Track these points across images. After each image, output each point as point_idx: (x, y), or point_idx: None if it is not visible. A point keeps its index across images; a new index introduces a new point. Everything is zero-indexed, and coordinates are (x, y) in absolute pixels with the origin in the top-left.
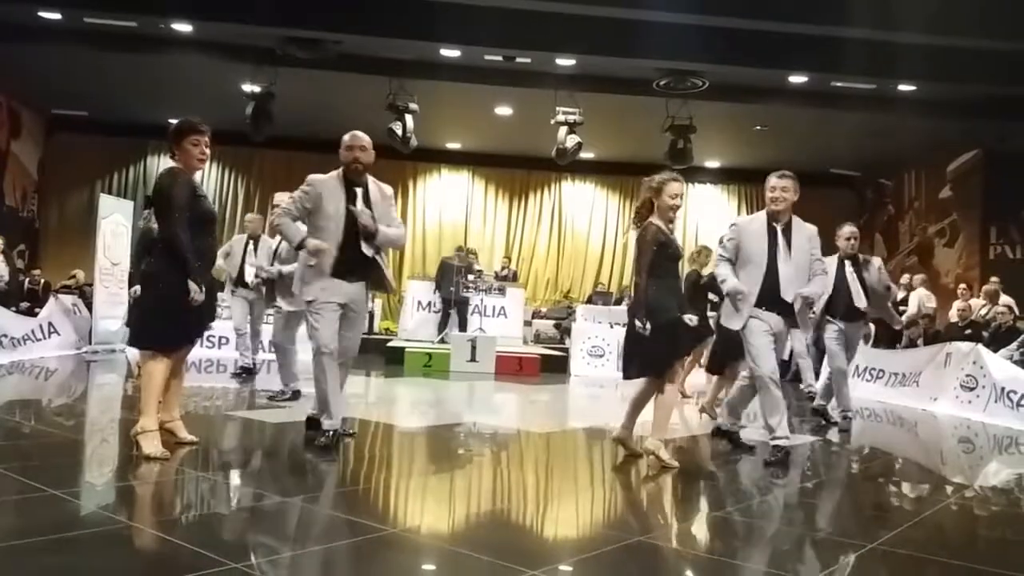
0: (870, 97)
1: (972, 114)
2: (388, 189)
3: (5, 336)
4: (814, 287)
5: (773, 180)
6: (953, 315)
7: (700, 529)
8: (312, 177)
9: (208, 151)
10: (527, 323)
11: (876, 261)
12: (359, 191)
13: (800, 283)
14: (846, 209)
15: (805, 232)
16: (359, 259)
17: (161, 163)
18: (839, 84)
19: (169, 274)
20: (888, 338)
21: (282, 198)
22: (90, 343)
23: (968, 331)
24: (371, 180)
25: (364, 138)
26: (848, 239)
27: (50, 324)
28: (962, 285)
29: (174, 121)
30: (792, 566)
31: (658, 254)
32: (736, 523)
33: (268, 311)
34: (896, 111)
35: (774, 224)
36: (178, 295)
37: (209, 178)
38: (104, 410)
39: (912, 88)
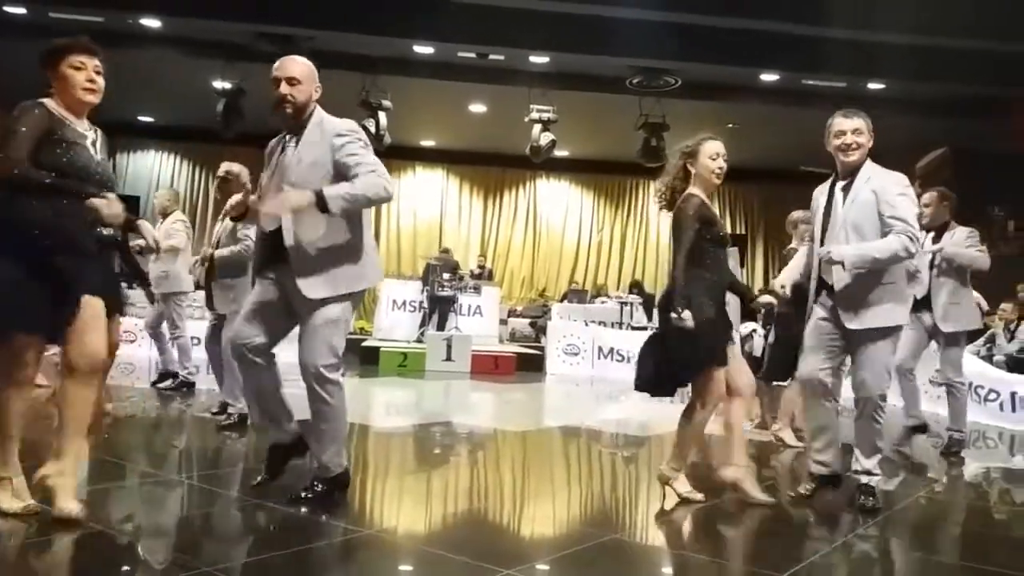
0: (841, 95)
1: (941, 112)
2: (342, 127)
3: None
4: (851, 247)
5: (839, 121)
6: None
7: (679, 528)
8: (271, 142)
9: (100, 82)
10: (503, 321)
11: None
12: (292, 141)
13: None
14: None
15: (874, 183)
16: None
17: (132, 161)
18: (810, 82)
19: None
20: None
21: (230, 168)
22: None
23: None
24: (318, 120)
25: (290, 65)
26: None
27: None
28: None
29: (145, 118)
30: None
31: (700, 234)
32: (714, 517)
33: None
34: (867, 109)
35: (835, 183)
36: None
37: (180, 176)
38: None
39: (881, 86)
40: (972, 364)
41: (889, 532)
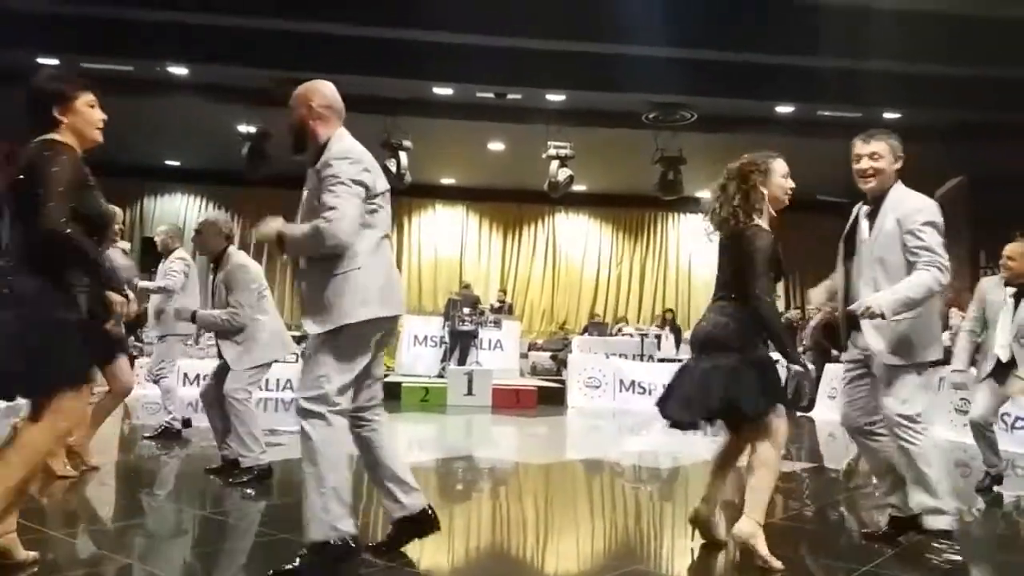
0: (856, 125)
1: (958, 140)
2: (336, 150)
3: None
4: (885, 294)
5: (857, 144)
6: (945, 339)
7: (699, 558)
8: None
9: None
10: (523, 355)
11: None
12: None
13: (876, 286)
14: (834, 237)
15: (899, 211)
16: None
17: (159, 204)
18: (825, 113)
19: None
20: None
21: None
22: None
23: None
24: (328, 146)
25: (295, 92)
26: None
27: None
28: (953, 309)
29: (172, 163)
30: None
31: (768, 270)
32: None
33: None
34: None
35: (861, 209)
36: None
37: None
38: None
39: (896, 116)
40: None
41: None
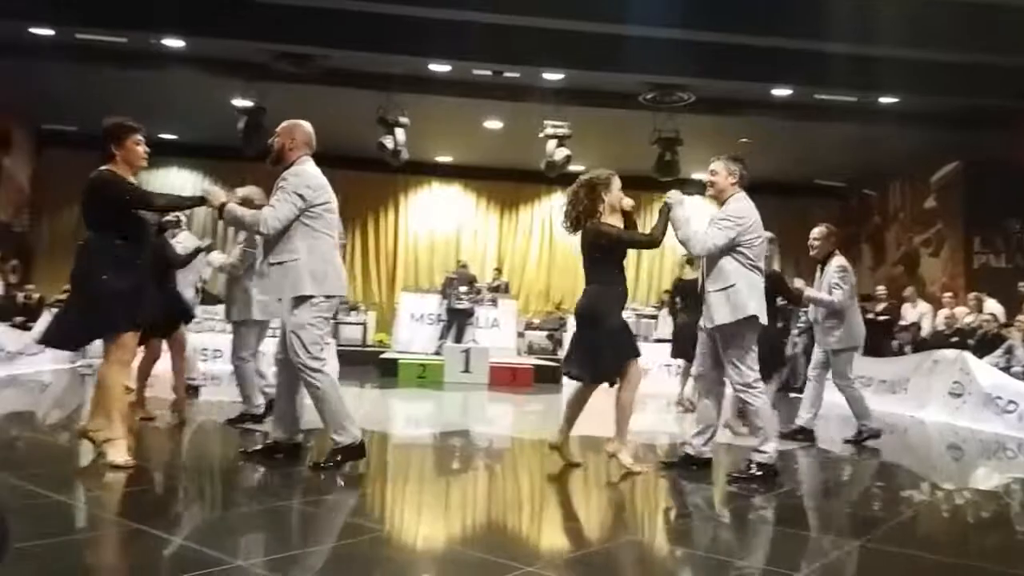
0: (853, 109)
1: (952, 125)
2: (289, 170)
3: (1, 350)
4: None
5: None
6: (940, 323)
7: (689, 528)
8: None
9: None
10: (520, 334)
11: (834, 262)
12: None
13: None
14: (832, 220)
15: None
16: None
17: (154, 178)
18: (822, 97)
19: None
20: (876, 346)
21: (246, 192)
22: (85, 357)
23: (954, 339)
24: (289, 167)
25: (282, 125)
26: (813, 239)
27: None
28: (948, 293)
29: (168, 136)
30: (783, 562)
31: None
32: (725, 523)
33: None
34: (879, 123)
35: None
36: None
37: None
38: None
39: (894, 100)
40: (991, 375)
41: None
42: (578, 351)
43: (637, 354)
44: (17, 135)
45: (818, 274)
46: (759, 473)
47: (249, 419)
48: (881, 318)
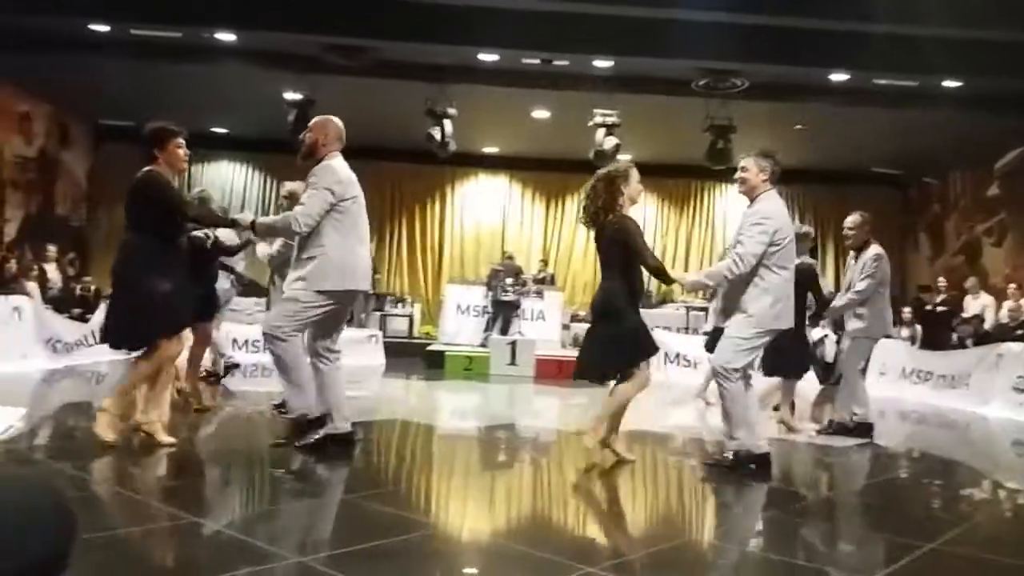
0: (913, 94)
1: (1018, 110)
2: (319, 168)
3: (59, 342)
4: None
5: (740, 161)
6: (1004, 315)
7: (751, 528)
8: None
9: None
10: (565, 326)
11: (870, 251)
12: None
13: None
14: (889, 209)
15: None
16: None
17: (206, 171)
18: (881, 81)
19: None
20: (936, 339)
21: (291, 187)
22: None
23: (1019, 331)
24: (318, 163)
25: (315, 120)
26: (848, 228)
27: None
28: (1012, 285)
29: (220, 130)
30: (853, 564)
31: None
32: (790, 523)
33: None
34: (940, 108)
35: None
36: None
37: (252, 185)
38: None
39: (957, 84)
40: None
41: None
42: (589, 347)
43: (649, 354)
44: (75, 130)
45: (852, 262)
46: (731, 461)
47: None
48: (940, 310)
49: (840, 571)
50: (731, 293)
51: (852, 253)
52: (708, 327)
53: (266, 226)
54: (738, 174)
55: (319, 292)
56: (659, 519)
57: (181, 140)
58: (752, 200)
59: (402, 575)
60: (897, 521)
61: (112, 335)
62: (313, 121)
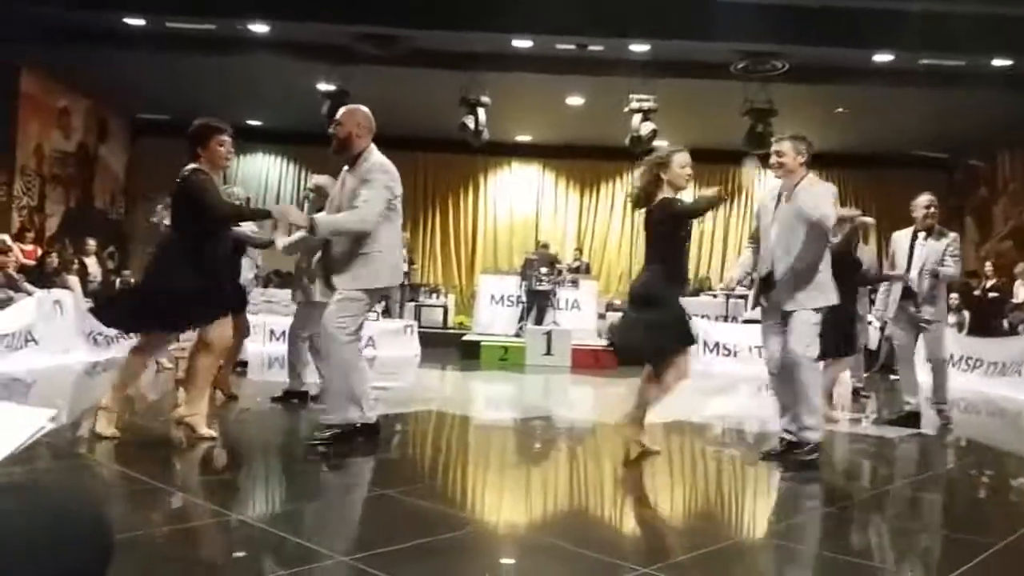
0: (960, 74)
1: None
2: (375, 163)
3: (100, 334)
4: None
5: (773, 145)
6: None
7: (806, 527)
8: None
9: (232, 151)
10: (600, 316)
11: (950, 234)
12: (345, 172)
13: (783, 254)
14: (933, 193)
15: (806, 193)
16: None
17: (242, 165)
18: (927, 61)
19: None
20: (984, 325)
21: (319, 180)
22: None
23: None
24: (365, 158)
25: (342, 111)
26: (926, 207)
27: None
28: None
29: (254, 122)
30: (921, 564)
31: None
32: (845, 520)
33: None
34: (989, 88)
35: (780, 193)
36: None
37: (287, 177)
38: None
39: (1007, 63)
40: None
41: None
42: (626, 328)
43: (689, 344)
44: (113, 124)
45: (920, 242)
46: (807, 450)
47: (295, 397)
48: (990, 295)
49: (908, 572)
50: (805, 273)
51: (923, 234)
52: (748, 315)
53: (333, 228)
54: (774, 159)
55: (374, 290)
56: (706, 515)
57: (224, 137)
58: (794, 184)
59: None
60: (963, 518)
61: (110, 312)
62: (342, 113)
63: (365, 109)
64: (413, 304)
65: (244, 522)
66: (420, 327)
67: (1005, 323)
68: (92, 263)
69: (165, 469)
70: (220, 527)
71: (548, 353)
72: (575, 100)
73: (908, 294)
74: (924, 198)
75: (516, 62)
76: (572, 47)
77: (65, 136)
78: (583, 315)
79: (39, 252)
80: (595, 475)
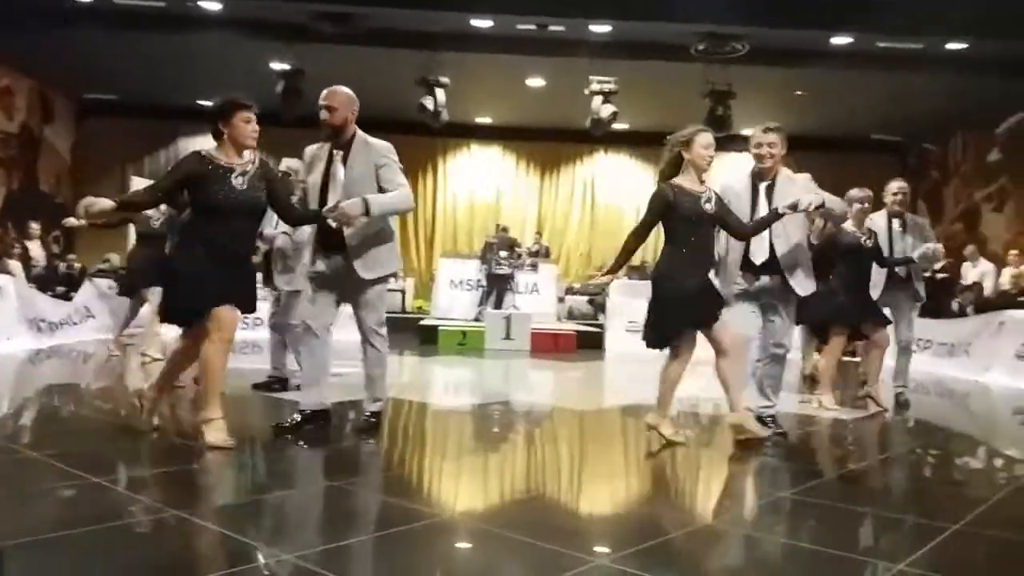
0: (917, 57)
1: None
2: (383, 147)
3: (43, 321)
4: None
5: (758, 135)
6: (1005, 282)
7: (763, 512)
8: (308, 147)
9: (257, 129)
10: (560, 299)
11: (920, 219)
12: (339, 155)
13: (783, 242)
14: (887, 176)
15: (794, 185)
16: (329, 232)
17: (193, 145)
18: (885, 44)
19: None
20: (934, 307)
21: (290, 164)
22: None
23: (1022, 298)
24: (363, 141)
25: (331, 94)
26: (895, 194)
27: (86, 308)
28: (1013, 251)
29: (205, 103)
30: (868, 548)
31: (651, 214)
32: (801, 505)
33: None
34: (945, 71)
35: (758, 183)
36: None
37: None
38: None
39: (962, 47)
40: None
41: None
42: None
43: (697, 325)
44: (58, 105)
45: (896, 228)
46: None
47: (276, 384)
48: (939, 277)
49: (864, 557)
50: (795, 252)
51: (896, 221)
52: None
53: (383, 207)
54: (765, 150)
55: (389, 275)
56: (663, 502)
57: (249, 114)
58: (775, 174)
59: (405, 573)
60: (919, 501)
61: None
62: (335, 96)
63: (348, 90)
64: None
65: (184, 519)
66: None
67: (954, 304)
68: (36, 247)
69: (105, 462)
70: (156, 524)
71: (507, 337)
72: (535, 81)
73: (893, 277)
74: (895, 184)
75: (476, 42)
76: (533, 27)
77: (8, 117)
78: (543, 299)
79: None
80: (552, 461)
